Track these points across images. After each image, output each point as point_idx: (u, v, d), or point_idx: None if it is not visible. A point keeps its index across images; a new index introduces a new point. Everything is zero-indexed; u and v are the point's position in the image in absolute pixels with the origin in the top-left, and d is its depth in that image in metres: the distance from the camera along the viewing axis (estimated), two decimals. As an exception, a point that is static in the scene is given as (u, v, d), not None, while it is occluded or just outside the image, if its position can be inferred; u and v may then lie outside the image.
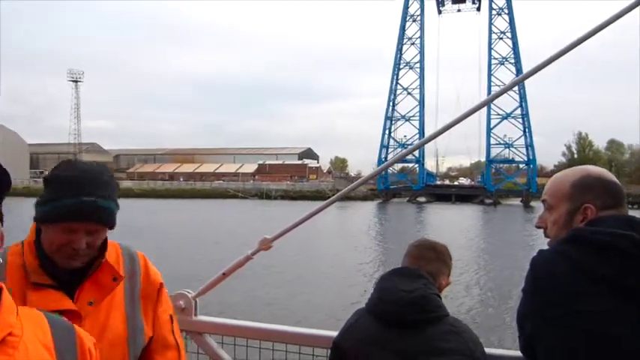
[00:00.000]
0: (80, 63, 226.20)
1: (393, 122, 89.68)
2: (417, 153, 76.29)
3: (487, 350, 1.90)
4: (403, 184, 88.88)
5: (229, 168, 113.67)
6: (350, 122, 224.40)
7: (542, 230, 1.86)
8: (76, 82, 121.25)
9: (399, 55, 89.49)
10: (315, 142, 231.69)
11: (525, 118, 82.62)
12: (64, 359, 1.15)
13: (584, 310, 1.51)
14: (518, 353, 1.87)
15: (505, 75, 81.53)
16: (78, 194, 1.59)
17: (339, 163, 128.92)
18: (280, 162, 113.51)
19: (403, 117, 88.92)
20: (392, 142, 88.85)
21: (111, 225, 1.69)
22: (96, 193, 1.62)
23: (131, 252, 1.86)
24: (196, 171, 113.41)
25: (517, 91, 78.93)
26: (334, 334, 2.02)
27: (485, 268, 20.95)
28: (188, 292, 2.44)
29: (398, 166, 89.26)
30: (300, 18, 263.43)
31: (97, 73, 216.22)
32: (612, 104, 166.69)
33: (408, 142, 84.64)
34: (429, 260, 2.00)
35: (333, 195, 2.53)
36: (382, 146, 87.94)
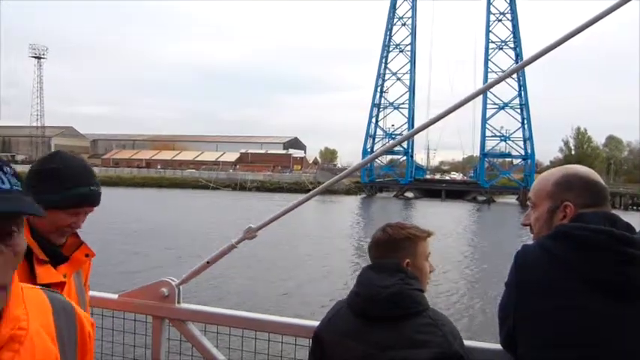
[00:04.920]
0: (66, 46, 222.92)
1: (381, 110, 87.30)
2: (405, 144, 74.47)
3: (467, 343, 1.99)
4: (390, 178, 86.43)
5: (210, 156, 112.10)
6: (345, 113, 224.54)
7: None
8: (38, 58, 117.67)
9: (388, 37, 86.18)
10: (309, 133, 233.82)
11: (524, 108, 79.73)
12: (65, 346, 1.20)
13: (564, 305, 1.66)
14: (499, 346, 1.99)
15: (503, 61, 79.29)
16: (88, 184, 2.04)
17: (329, 154, 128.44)
18: (264, 151, 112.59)
19: (392, 104, 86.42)
20: (379, 131, 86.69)
21: None
22: (96, 182, 2.09)
23: None
24: (175, 158, 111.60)
25: (516, 79, 76.12)
26: (316, 324, 2.16)
27: (474, 272, 21.08)
28: (172, 280, 2.56)
29: (385, 158, 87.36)
30: (291, 7, 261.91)
31: (94, 59, 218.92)
32: (613, 100, 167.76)
33: (396, 132, 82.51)
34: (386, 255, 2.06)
35: (314, 187, 2.65)
36: (368, 136, 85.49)
